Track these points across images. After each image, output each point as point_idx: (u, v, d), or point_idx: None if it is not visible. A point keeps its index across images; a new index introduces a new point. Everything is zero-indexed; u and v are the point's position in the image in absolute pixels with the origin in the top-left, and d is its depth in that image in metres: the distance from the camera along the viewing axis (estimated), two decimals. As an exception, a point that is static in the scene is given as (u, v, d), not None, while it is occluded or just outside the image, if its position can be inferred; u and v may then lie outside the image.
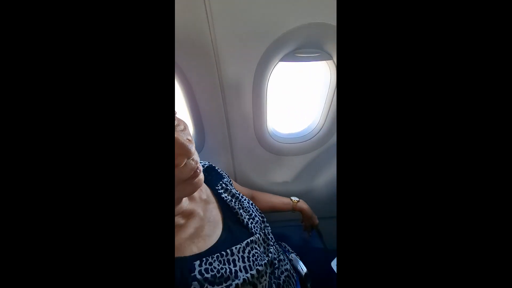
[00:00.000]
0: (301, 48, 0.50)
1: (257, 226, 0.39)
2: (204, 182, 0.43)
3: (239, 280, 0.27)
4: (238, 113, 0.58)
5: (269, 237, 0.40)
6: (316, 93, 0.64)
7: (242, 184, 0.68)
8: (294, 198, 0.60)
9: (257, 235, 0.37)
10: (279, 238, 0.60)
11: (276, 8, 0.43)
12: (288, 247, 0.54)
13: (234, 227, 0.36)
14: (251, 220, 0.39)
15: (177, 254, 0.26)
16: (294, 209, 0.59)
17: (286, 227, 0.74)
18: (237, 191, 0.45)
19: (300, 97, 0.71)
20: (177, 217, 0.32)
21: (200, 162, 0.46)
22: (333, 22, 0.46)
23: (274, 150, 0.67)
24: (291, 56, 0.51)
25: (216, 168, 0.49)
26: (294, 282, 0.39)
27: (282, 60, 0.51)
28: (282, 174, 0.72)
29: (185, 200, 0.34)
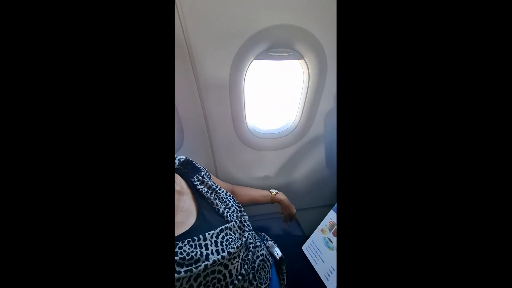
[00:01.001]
0: (274, 48, 0.53)
1: (233, 215, 0.41)
2: (180, 174, 0.44)
3: (209, 261, 0.29)
4: (216, 110, 0.60)
5: (245, 224, 0.42)
6: (293, 91, 0.67)
7: (224, 179, 0.70)
8: (273, 191, 0.63)
9: (233, 222, 0.39)
10: (260, 229, 0.63)
11: (247, 9, 0.46)
12: (267, 236, 0.56)
13: (209, 215, 0.38)
14: (227, 209, 0.41)
15: None
16: (273, 201, 0.62)
17: (267, 220, 0.77)
18: (214, 183, 0.47)
19: (279, 95, 0.74)
20: None
21: (177, 157, 0.48)
22: (301, 24, 0.50)
23: (254, 146, 0.70)
24: (265, 55, 0.54)
25: (194, 162, 0.51)
26: (269, 265, 0.42)
27: (256, 58, 0.54)
28: (263, 169, 0.75)
29: None
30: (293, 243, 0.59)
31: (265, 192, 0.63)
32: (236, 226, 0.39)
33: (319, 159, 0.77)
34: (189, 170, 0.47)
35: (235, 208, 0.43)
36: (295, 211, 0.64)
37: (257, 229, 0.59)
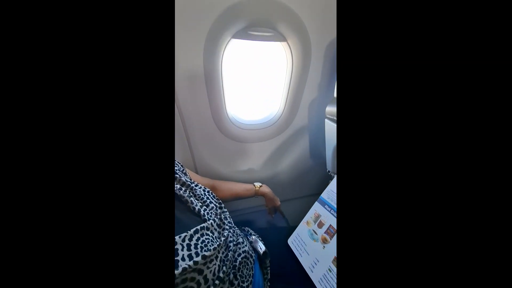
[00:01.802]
0: (254, 26, 0.48)
1: (211, 212, 0.37)
2: None
3: (178, 269, 0.25)
4: (190, 99, 0.53)
5: (226, 222, 0.39)
6: (276, 78, 0.63)
7: (204, 174, 0.65)
8: (257, 184, 0.60)
9: (211, 221, 0.35)
10: (244, 224, 0.60)
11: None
12: (251, 231, 0.54)
13: (182, 215, 0.34)
14: (204, 207, 0.37)
15: None
16: (257, 194, 0.60)
17: (251, 213, 0.75)
18: (189, 179, 0.42)
19: (262, 82, 0.70)
20: None
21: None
22: (284, 0, 0.45)
23: (237, 137, 0.65)
24: (244, 34, 0.48)
25: None
26: (252, 261, 0.40)
27: (235, 37, 0.48)
28: (246, 161, 0.72)
29: None
30: (278, 235, 0.57)
31: (249, 186, 0.59)
32: (214, 224, 0.36)
33: (304, 149, 0.76)
34: None
35: (214, 204, 0.39)
36: (279, 203, 0.62)
37: (241, 224, 0.57)
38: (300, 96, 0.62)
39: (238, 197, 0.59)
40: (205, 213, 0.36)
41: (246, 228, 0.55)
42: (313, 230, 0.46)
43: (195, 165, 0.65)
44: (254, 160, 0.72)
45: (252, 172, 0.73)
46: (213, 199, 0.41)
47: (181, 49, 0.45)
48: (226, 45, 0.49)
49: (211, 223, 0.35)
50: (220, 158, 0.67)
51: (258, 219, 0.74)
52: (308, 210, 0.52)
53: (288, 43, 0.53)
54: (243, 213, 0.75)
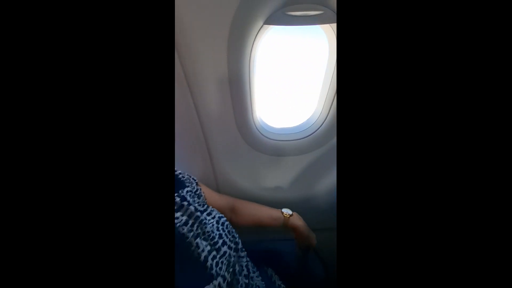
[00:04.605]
0: (294, 4, 0.34)
1: (222, 263, 0.27)
2: None
3: None
4: (212, 106, 0.45)
5: (240, 277, 0.28)
6: (317, 74, 0.48)
7: (225, 189, 0.57)
8: (286, 211, 0.47)
9: (219, 278, 0.25)
10: (268, 257, 0.49)
11: None
12: (275, 277, 0.42)
13: (183, 266, 0.25)
14: (214, 252, 0.28)
15: None
16: (286, 226, 0.46)
17: (280, 241, 0.62)
18: (202, 204, 0.34)
19: (301, 78, 0.55)
20: None
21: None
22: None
23: (265, 149, 0.54)
24: (280, 17, 0.36)
25: (179, 175, 0.38)
26: None
27: (268, 22, 0.36)
28: (275, 178, 0.59)
29: None
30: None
31: (276, 213, 0.47)
32: (224, 284, 0.25)
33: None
34: None
35: (228, 247, 0.29)
36: (315, 242, 0.47)
37: (262, 257, 0.45)
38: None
39: (261, 226, 0.47)
40: (213, 264, 0.26)
41: (270, 272, 0.43)
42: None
43: (215, 178, 0.57)
44: (284, 177, 0.59)
45: (280, 191, 0.60)
46: (227, 238, 0.30)
47: (201, 47, 0.36)
48: (257, 34, 0.37)
49: (220, 281, 0.25)
50: (244, 172, 0.57)
51: (286, 252, 0.60)
52: None
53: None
54: (265, 239, 0.62)
